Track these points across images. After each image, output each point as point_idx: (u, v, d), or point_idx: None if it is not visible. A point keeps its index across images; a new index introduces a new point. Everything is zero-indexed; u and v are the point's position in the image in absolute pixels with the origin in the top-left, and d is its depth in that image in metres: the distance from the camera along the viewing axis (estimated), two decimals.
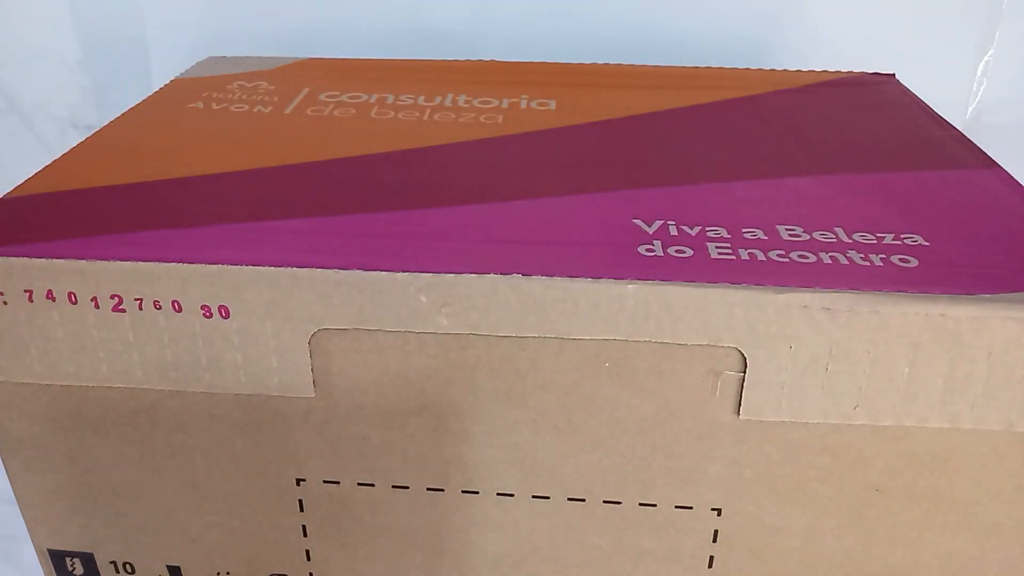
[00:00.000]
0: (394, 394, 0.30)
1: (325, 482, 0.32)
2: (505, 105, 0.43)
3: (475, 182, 0.34)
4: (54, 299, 0.29)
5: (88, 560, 0.36)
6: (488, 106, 0.43)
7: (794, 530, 0.31)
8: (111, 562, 0.36)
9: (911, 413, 0.28)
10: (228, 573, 0.35)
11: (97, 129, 0.39)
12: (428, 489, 0.32)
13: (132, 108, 0.43)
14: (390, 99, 0.44)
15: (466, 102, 0.44)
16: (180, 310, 0.29)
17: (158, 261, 0.28)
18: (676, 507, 0.31)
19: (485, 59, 0.51)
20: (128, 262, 0.28)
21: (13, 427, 0.32)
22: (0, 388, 0.31)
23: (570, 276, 0.27)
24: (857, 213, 0.32)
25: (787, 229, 0.31)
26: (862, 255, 0.29)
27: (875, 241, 0.30)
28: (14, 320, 0.29)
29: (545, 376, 0.29)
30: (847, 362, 0.27)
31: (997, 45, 0.59)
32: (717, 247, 0.29)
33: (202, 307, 0.28)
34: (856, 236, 0.30)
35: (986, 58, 0.59)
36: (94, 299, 0.28)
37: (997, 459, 0.29)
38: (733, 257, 0.29)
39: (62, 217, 0.31)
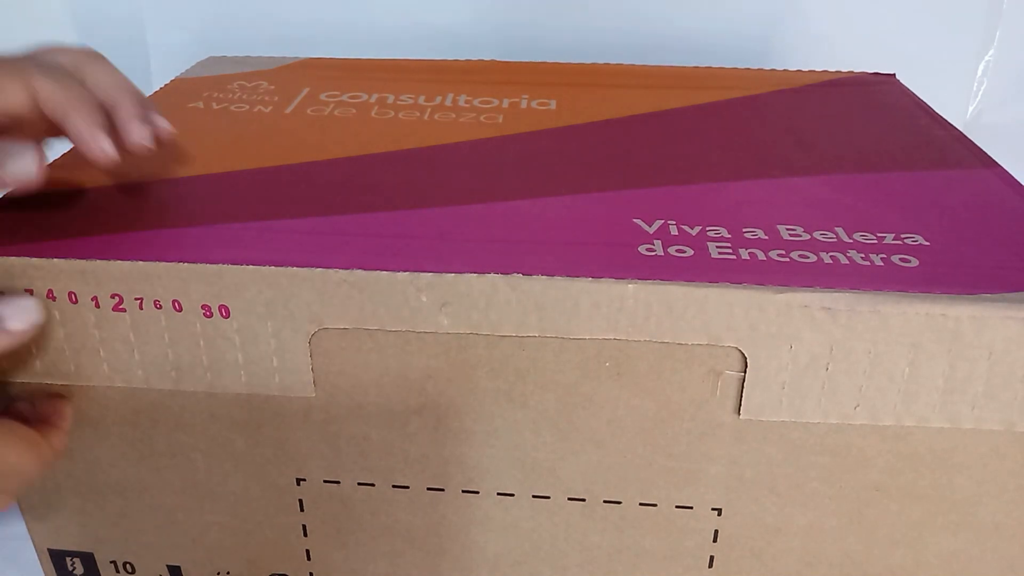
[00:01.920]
0: (394, 394, 0.30)
1: (325, 482, 0.32)
2: (505, 105, 0.43)
3: (475, 182, 0.34)
4: (54, 299, 0.29)
5: (88, 560, 0.36)
6: (488, 106, 0.43)
7: (794, 530, 0.31)
8: (111, 562, 0.36)
9: (911, 413, 0.28)
10: (228, 573, 0.35)
11: None
12: (428, 489, 0.32)
13: None
14: (390, 99, 0.44)
15: (466, 102, 0.44)
16: (180, 310, 0.28)
17: (158, 261, 0.28)
18: (676, 507, 0.31)
19: (485, 59, 0.51)
20: (128, 262, 0.28)
21: None
22: None
23: (570, 276, 0.27)
24: (857, 213, 0.32)
25: (787, 229, 0.31)
26: (862, 255, 0.29)
27: (875, 241, 0.30)
28: None
29: (545, 376, 0.29)
30: (847, 362, 0.27)
31: (997, 45, 0.59)
32: (717, 247, 0.29)
33: (202, 307, 0.28)
34: (856, 236, 0.30)
35: (986, 58, 0.59)
36: (94, 298, 0.28)
37: (998, 459, 0.29)
38: (733, 257, 0.29)
39: (62, 217, 0.31)
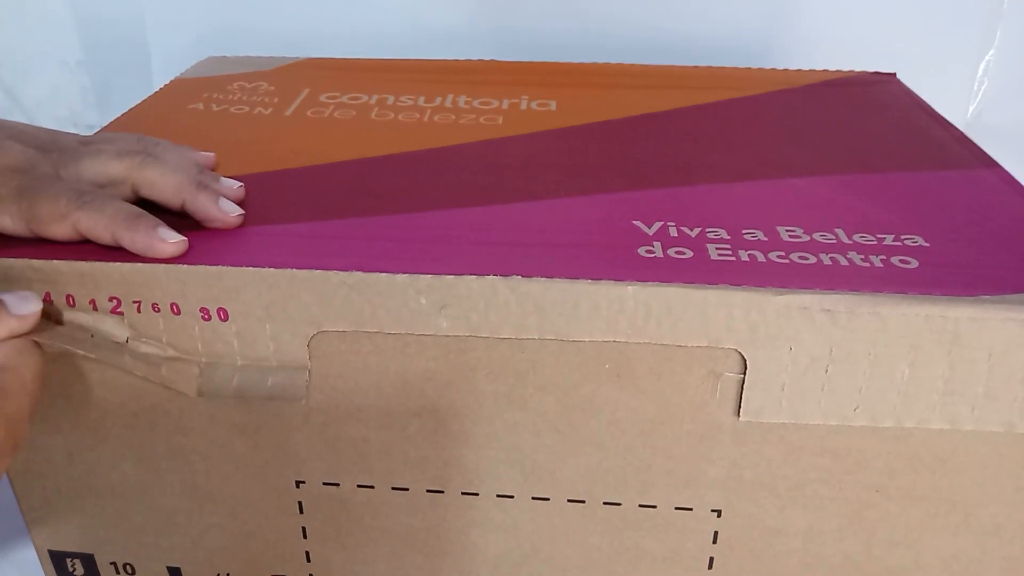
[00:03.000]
0: (394, 396, 0.30)
1: (325, 484, 0.32)
2: (505, 106, 0.43)
3: (475, 184, 0.34)
4: (51, 302, 0.29)
5: (88, 561, 0.36)
6: (488, 107, 0.43)
7: (794, 531, 0.31)
8: (111, 563, 0.36)
9: (911, 414, 0.28)
10: (228, 574, 0.35)
11: (98, 129, 0.39)
12: (428, 491, 0.32)
13: (132, 108, 0.43)
14: (390, 100, 0.44)
15: (466, 103, 0.44)
16: (179, 312, 0.28)
17: (156, 263, 0.28)
18: (676, 508, 0.31)
19: (485, 59, 0.51)
20: (127, 264, 0.28)
21: None
22: None
23: (570, 278, 0.27)
24: (857, 214, 0.32)
25: (787, 230, 0.30)
26: (862, 256, 0.29)
27: (875, 242, 0.30)
28: None
29: (545, 378, 0.29)
30: (847, 363, 0.27)
31: (998, 45, 0.58)
32: (717, 248, 0.29)
33: (201, 309, 0.28)
34: (856, 237, 0.30)
35: (987, 58, 0.59)
36: (92, 301, 0.28)
37: (998, 460, 0.29)
38: (733, 258, 0.28)
39: None
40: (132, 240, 0.28)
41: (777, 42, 0.60)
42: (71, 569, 0.36)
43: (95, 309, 0.28)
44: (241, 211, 0.31)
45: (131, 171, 0.30)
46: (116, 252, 0.28)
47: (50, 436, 0.32)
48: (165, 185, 0.30)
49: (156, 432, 0.31)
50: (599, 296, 0.27)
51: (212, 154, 0.35)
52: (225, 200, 0.31)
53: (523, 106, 0.43)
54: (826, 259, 0.28)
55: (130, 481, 0.33)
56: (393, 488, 0.32)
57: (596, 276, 0.27)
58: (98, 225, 0.28)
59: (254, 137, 0.39)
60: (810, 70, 0.49)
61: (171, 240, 0.28)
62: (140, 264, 0.28)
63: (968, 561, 0.31)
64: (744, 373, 0.28)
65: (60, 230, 0.28)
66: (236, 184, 0.32)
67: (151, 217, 0.29)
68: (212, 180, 0.32)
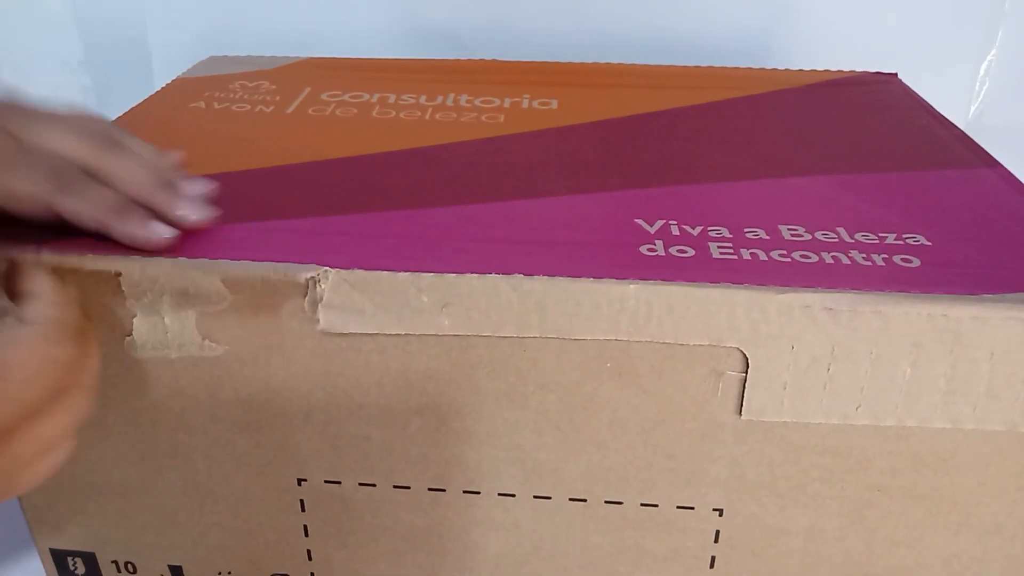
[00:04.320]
0: (395, 394, 0.30)
1: (326, 482, 0.32)
2: (507, 105, 0.43)
3: (476, 182, 0.34)
4: None
5: (90, 560, 0.36)
6: (490, 106, 0.43)
7: (796, 530, 0.31)
8: (113, 561, 0.36)
9: (913, 413, 0.28)
10: (230, 573, 0.35)
11: None
12: (429, 489, 0.32)
13: (134, 108, 0.43)
14: (392, 99, 0.44)
15: (467, 102, 0.44)
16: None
17: (149, 255, 0.28)
18: (678, 507, 0.31)
19: (486, 59, 0.51)
20: (128, 257, 0.28)
21: None
22: None
23: (572, 276, 0.27)
24: (859, 213, 0.32)
25: (789, 229, 0.30)
26: (864, 255, 0.29)
27: (877, 241, 0.30)
28: None
29: (546, 376, 0.29)
30: (849, 362, 0.27)
31: (999, 45, 0.58)
32: (719, 247, 0.29)
33: None
34: (858, 236, 0.30)
35: (988, 58, 0.59)
36: None
37: (999, 459, 0.29)
38: (735, 257, 0.28)
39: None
40: (123, 231, 0.28)
41: (777, 42, 0.60)
42: (72, 567, 0.36)
43: None
44: (209, 215, 0.30)
45: (99, 157, 0.29)
46: (115, 248, 0.28)
47: None
48: (130, 175, 0.29)
49: (158, 430, 0.32)
50: (601, 294, 0.27)
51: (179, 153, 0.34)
52: (191, 209, 0.30)
53: (524, 105, 0.43)
54: (828, 258, 0.28)
55: (132, 479, 0.33)
56: (394, 486, 0.32)
57: (598, 274, 0.27)
58: (84, 212, 0.27)
59: (255, 134, 0.39)
60: (811, 70, 0.49)
61: (165, 234, 0.28)
62: (139, 258, 0.28)
63: (969, 560, 0.31)
64: (746, 372, 0.28)
65: (37, 209, 0.27)
66: (208, 184, 0.31)
67: (140, 208, 0.28)
68: (180, 177, 0.31)
